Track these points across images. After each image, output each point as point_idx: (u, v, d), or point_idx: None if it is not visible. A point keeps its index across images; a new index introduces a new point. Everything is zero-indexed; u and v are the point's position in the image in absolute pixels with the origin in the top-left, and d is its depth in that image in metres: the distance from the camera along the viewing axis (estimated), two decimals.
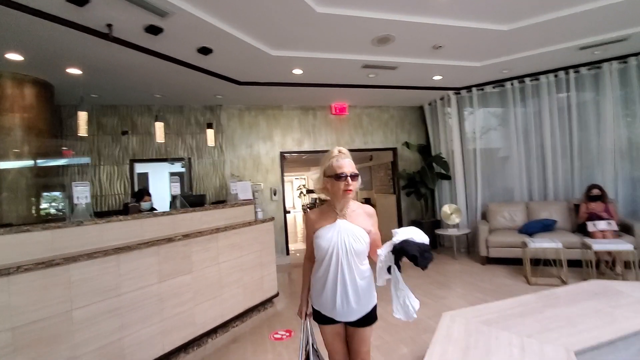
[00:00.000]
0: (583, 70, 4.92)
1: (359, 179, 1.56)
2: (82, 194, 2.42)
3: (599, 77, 4.84)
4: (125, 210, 3.28)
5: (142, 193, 4.05)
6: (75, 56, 3.55)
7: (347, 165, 1.49)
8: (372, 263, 1.54)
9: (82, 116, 2.68)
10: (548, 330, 1.99)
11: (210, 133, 3.99)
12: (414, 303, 1.37)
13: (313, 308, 1.64)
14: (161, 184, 7.91)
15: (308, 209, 17.09)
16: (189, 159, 5.71)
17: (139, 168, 6.01)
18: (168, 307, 2.72)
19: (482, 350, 1.83)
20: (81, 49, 3.38)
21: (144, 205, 3.78)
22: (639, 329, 1.93)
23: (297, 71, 4.59)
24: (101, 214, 3.78)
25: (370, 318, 1.56)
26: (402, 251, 1.30)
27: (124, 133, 5.38)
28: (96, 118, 5.18)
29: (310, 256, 1.67)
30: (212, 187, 5.75)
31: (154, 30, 3.19)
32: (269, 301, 3.89)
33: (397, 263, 1.34)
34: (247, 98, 5.58)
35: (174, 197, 3.23)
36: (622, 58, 4.66)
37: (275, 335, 3.17)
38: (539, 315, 2.20)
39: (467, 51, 4.41)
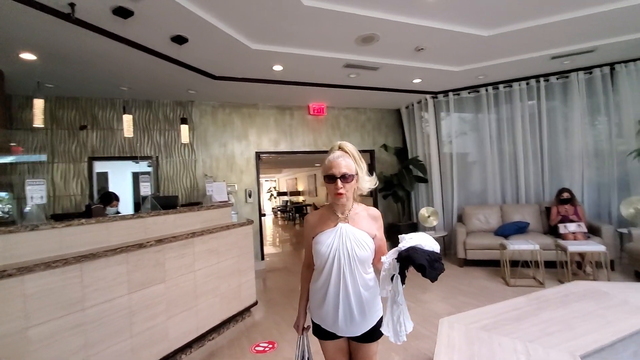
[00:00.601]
0: (552, 79, 5.17)
1: (360, 178, 1.38)
2: (37, 193, 2.07)
3: (567, 86, 5.11)
4: (87, 213, 2.91)
5: (111, 197, 3.63)
6: (30, 39, 3.11)
7: (340, 164, 1.32)
8: (377, 272, 1.38)
9: (38, 104, 2.31)
10: (548, 334, 1.95)
11: (184, 129, 3.68)
12: (408, 324, 1.21)
13: (312, 321, 1.47)
14: (123, 184, 7.34)
15: (279, 212, 16.81)
16: (157, 157, 5.30)
17: (99, 167, 5.49)
18: (139, 321, 2.42)
19: (488, 358, 1.75)
20: (38, 31, 2.97)
21: (110, 210, 3.40)
22: (634, 330, 1.95)
23: (277, 67, 4.40)
24: (57, 217, 3.34)
25: (376, 332, 1.41)
26: (408, 260, 1.14)
27: (83, 128, 4.87)
28: (51, 110, 4.64)
29: (309, 263, 1.51)
30: (181, 188, 5.37)
31: (123, 12, 2.86)
32: (246, 310, 3.64)
33: (401, 273, 1.19)
34: (222, 94, 5.29)
35: (143, 198, 2.91)
36: (588, 69, 4.95)
37: (257, 348, 2.94)
38: (535, 319, 2.17)
39: (447, 55, 4.46)
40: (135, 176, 7.55)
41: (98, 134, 4.95)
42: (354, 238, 1.34)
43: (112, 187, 7.07)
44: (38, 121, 2.31)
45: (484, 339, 1.94)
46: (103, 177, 7.16)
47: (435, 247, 1.19)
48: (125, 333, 2.33)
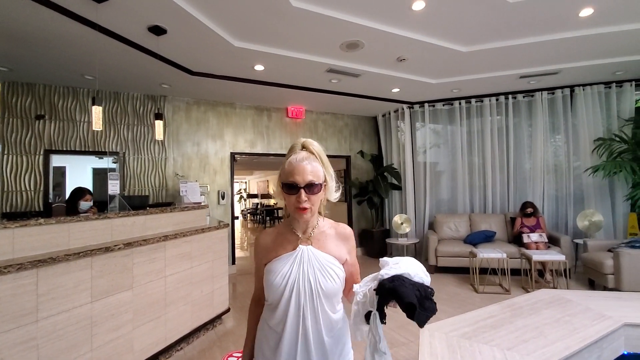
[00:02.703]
0: (520, 97, 5.49)
1: (329, 188, 1.07)
2: None
3: (532, 104, 5.45)
4: (45, 212, 2.64)
5: (83, 191, 3.33)
6: None
7: (304, 170, 0.99)
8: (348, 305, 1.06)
9: None
10: (524, 341, 2.02)
11: (158, 124, 3.46)
12: None
13: None
14: (82, 180, 6.84)
15: (248, 214, 16.42)
16: (123, 153, 4.96)
17: (56, 161, 5.05)
18: (101, 333, 2.21)
19: None
20: None
21: (85, 205, 3.10)
22: (599, 336, 2.07)
23: (259, 67, 4.29)
24: (8, 215, 2.99)
25: None
26: (392, 294, 0.86)
27: (39, 118, 4.46)
28: (3, 96, 4.21)
29: (259, 297, 1.15)
30: (149, 187, 5.07)
31: None
32: (217, 318, 3.47)
33: (380, 309, 0.90)
34: (198, 91, 5.08)
35: (111, 197, 2.69)
36: (551, 90, 5.31)
37: (230, 358, 2.80)
38: (510, 326, 2.25)
39: (426, 67, 4.59)
40: (96, 172, 7.06)
41: (57, 125, 4.55)
42: (319, 265, 1.02)
43: (69, 183, 6.56)
44: None
45: (466, 347, 1.97)
46: (59, 172, 6.63)
47: (425, 278, 0.94)
48: (85, 346, 2.12)
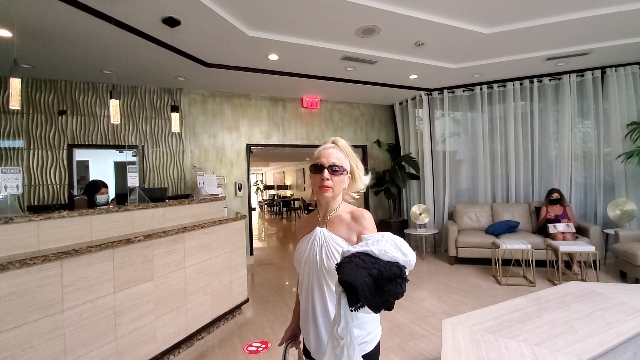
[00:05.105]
0: (545, 80, 5.21)
1: (357, 177, 1.22)
2: (11, 182, 1.87)
3: (559, 87, 5.17)
4: (69, 205, 2.70)
5: (98, 184, 3.39)
6: (6, 14, 2.84)
7: (329, 154, 1.15)
8: None
9: (15, 84, 2.09)
10: (553, 337, 1.93)
11: (175, 117, 3.47)
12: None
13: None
14: (105, 174, 7.03)
15: (265, 206, 16.59)
16: (142, 147, 5.05)
17: (79, 155, 5.19)
18: (124, 322, 2.26)
19: None
20: (16, 5, 2.71)
21: (101, 198, 3.17)
22: (635, 332, 1.96)
23: (273, 57, 4.23)
24: (34, 208, 3.10)
25: None
26: (337, 270, 0.81)
27: (62, 113, 4.57)
28: (27, 93, 4.33)
29: None
30: (168, 180, 5.15)
31: None
32: (237, 308, 3.51)
33: (349, 289, 0.82)
34: (213, 83, 5.08)
35: (131, 190, 2.72)
36: (580, 72, 5.01)
37: (250, 348, 2.83)
38: (538, 321, 2.16)
39: (445, 51, 4.41)
40: (118, 165, 7.24)
41: (78, 120, 4.66)
42: (326, 246, 1.11)
43: (93, 176, 6.75)
44: (15, 103, 2.09)
45: (491, 342, 1.90)
46: (83, 165, 6.83)
47: (401, 257, 0.81)
48: (110, 335, 2.17)
